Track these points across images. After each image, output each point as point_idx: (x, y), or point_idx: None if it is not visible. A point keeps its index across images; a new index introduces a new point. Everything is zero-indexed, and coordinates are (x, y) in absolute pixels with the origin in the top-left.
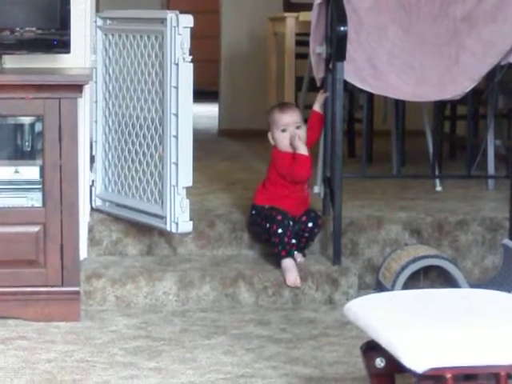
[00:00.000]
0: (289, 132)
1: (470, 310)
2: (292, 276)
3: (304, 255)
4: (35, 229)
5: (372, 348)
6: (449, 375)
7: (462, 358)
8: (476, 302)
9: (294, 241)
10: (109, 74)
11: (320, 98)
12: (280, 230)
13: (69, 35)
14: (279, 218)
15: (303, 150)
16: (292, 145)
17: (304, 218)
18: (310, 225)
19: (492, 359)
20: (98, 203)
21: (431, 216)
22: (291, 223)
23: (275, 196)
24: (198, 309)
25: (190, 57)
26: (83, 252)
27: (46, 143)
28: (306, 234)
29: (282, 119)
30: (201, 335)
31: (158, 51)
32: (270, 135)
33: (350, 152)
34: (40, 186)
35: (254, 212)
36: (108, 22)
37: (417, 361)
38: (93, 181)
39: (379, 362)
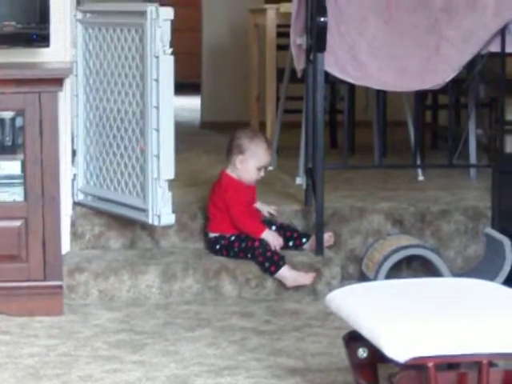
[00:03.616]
0: (261, 172)
1: (453, 298)
2: (298, 281)
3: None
4: (17, 223)
5: (354, 338)
6: (431, 364)
7: (444, 347)
8: (458, 290)
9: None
10: (89, 68)
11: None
12: (261, 249)
13: (48, 29)
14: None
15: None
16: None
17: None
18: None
19: (474, 348)
20: (79, 197)
21: (413, 206)
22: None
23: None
24: (181, 301)
25: (171, 49)
26: (66, 246)
27: (26, 138)
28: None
29: (266, 158)
30: (184, 328)
31: (138, 44)
32: (239, 159)
33: (331, 143)
34: (21, 181)
35: (224, 242)
36: (88, 15)
37: (398, 350)
38: (74, 175)
39: (361, 353)
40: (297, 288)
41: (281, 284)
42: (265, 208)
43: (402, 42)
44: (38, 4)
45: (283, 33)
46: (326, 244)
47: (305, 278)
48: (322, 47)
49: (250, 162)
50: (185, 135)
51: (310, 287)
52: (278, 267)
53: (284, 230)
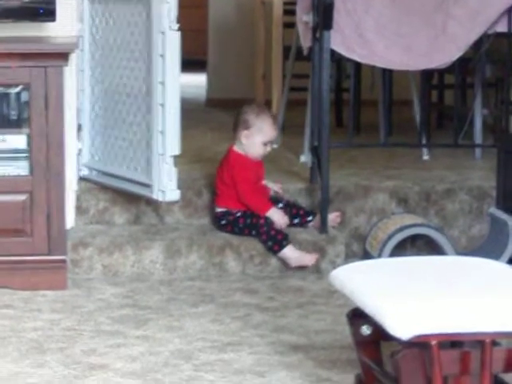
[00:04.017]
0: (267, 147)
1: (456, 277)
2: (301, 261)
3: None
4: (22, 197)
5: (358, 315)
6: (434, 342)
7: (447, 325)
8: (462, 269)
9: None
10: (95, 43)
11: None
12: (265, 228)
13: (54, 3)
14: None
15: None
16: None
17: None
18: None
19: (477, 326)
20: (84, 172)
21: (418, 185)
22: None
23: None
24: (185, 277)
25: (177, 25)
26: (70, 221)
27: (32, 112)
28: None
29: (272, 133)
30: (188, 304)
31: (144, 19)
32: (244, 134)
33: (337, 121)
34: (27, 155)
35: (230, 217)
36: None
37: (402, 328)
38: (79, 149)
39: (365, 330)
40: (300, 267)
41: (284, 263)
42: (270, 186)
43: (409, 19)
44: None
45: (290, 10)
46: (332, 223)
47: (308, 259)
48: (328, 25)
49: (256, 137)
50: (190, 112)
51: (314, 265)
52: (281, 247)
53: (290, 208)
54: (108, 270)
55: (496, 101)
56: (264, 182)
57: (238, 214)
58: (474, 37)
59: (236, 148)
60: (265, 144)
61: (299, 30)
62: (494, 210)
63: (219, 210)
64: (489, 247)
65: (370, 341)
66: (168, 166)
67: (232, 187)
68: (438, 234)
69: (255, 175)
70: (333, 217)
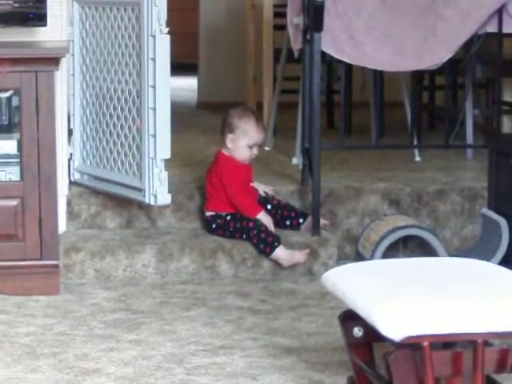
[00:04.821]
0: (253, 150)
1: (449, 278)
2: (293, 259)
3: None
4: (13, 203)
5: (350, 317)
6: (426, 343)
7: (439, 326)
8: (454, 270)
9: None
10: (86, 47)
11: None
12: (255, 231)
13: (45, 8)
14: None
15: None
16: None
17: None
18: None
19: (469, 327)
20: (76, 176)
21: (410, 186)
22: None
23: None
24: (178, 281)
25: (167, 29)
26: (62, 225)
27: (23, 117)
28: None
29: (257, 137)
30: (180, 307)
31: (134, 23)
32: (229, 138)
33: (328, 123)
34: (18, 160)
35: (220, 221)
36: None
37: (394, 329)
38: (71, 154)
39: (357, 332)
40: (293, 268)
41: (277, 264)
42: (261, 187)
43: (399, 21)
44: None
45: (280, 13)
46: (322, 228)
47: (299, 256)
48: (319, 27)
49: (241, 140)
50: (181, 115)
51: (307, 267)
52: (273, 249)
53: (281, 209)
54: (100, 275)
55: (487, 101)
56: (252, 184)
57: (228, 218)
58: (464, 38)
59: (224, 151)
60: (250, 147)
61: (289, 32)
62: (485, 210)
63: (208, 213)
64: (481, 248)
65: (362, 342)
66: (159, 169)
67: (221, 190)
68: (430, 235)
69: (244, 178)
70: (321, 225)
